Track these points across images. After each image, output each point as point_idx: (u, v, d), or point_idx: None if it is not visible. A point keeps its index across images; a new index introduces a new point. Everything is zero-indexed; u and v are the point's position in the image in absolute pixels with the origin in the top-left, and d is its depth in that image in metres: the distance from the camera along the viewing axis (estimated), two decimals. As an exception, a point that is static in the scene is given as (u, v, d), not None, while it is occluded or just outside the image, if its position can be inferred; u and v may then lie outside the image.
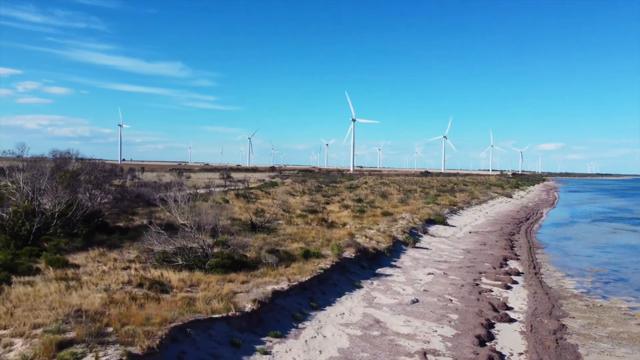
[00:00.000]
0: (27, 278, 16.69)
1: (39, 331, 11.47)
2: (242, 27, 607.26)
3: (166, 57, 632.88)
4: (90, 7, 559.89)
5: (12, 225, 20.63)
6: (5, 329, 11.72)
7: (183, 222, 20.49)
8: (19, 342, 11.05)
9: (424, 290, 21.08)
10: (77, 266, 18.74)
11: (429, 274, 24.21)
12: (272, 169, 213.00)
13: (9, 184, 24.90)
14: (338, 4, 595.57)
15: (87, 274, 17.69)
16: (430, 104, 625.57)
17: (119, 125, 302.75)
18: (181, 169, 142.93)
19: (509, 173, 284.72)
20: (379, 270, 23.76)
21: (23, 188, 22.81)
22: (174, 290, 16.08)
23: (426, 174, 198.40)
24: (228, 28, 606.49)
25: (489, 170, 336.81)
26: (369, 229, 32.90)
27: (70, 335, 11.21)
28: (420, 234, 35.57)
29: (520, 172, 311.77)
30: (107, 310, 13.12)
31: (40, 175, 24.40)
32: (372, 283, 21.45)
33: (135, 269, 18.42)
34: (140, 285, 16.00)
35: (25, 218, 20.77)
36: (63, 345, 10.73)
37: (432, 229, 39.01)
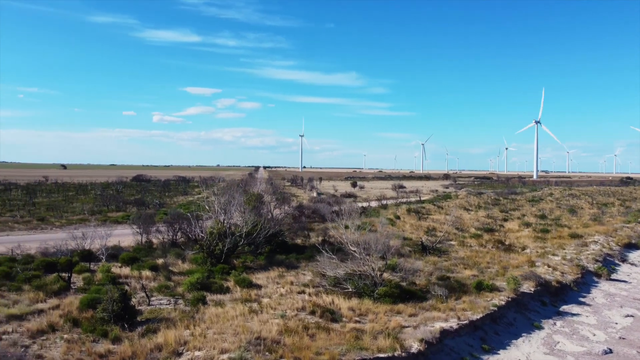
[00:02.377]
0: (218, 296, 18.95)
1: (225, 357, 12.85)
2: (413, 33, 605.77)
3: (342, 68, 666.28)
4: (276, 28, 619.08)
5: (208, 245, 23.60)
6: (199, 350, 13.40)
7: (353, 249, 21.08)
8: (209, 366, 12.52)
9: (620, 337, 18.36)
10: (259, 286, 20.62)
11: (628, 315, 21.03)
12: (446, 176, 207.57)
13: (206, 206, 28.47)
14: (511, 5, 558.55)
15: (267, 296, 19.34)
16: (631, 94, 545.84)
17: (300, 135, 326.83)
18: (355, 178, 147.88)
19: None
20: (564, 308, 21.40)
21: (217, 210, 25.91)
22: (344, 319, 16.62)
23: (627, 181, 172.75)
24: (399, 35, 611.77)
25: None
26: (553, 255, 29.94)
27: (250, 364, 12.32)
28: (617, 262, 31.18)
29: None
30: (283, 338, 14.16)
31: (231, 197, 27.43)
32: (554, 324, 19.42)
33: (309, 294, 19.54)
34: (312, 313, 16.94)
35: (219, 239, 23.54)
36: (243, 374, 11.83)
37: (633, 256, 33.91)
